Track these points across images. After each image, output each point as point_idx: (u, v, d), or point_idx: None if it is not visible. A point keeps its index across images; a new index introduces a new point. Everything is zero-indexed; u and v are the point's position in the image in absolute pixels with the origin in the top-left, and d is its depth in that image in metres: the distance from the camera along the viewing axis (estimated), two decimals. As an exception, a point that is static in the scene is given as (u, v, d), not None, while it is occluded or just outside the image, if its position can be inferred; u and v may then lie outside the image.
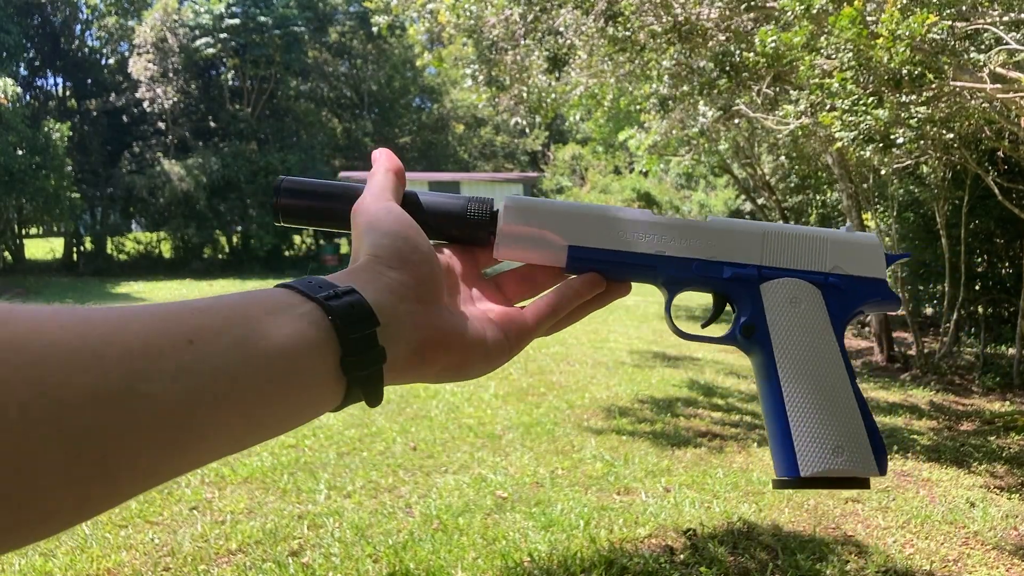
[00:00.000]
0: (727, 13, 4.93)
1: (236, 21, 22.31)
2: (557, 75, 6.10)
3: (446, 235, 0.61)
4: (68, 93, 24.90)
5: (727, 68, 4.90)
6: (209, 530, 3.24)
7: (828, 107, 4.24)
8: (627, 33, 5.03)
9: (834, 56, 3.94)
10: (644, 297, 13.37)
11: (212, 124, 24.10)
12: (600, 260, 0.61)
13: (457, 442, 4.65)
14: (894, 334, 8.27)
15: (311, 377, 0.42)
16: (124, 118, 23.95)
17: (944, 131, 4.65)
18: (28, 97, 22.79)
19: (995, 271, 7.71)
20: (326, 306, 0.43)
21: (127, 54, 23.90)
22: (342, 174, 21.38)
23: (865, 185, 7.60)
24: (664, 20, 4.92)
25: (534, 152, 32.49)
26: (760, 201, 12.87)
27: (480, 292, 0.60)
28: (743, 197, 14.49)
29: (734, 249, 0.63)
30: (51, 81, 24.95)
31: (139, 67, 22.41)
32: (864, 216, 7.84)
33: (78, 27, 24.26)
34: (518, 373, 6.77)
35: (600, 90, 7.20)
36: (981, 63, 3.87)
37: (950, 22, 3.59)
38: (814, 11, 3.86)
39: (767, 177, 11.54)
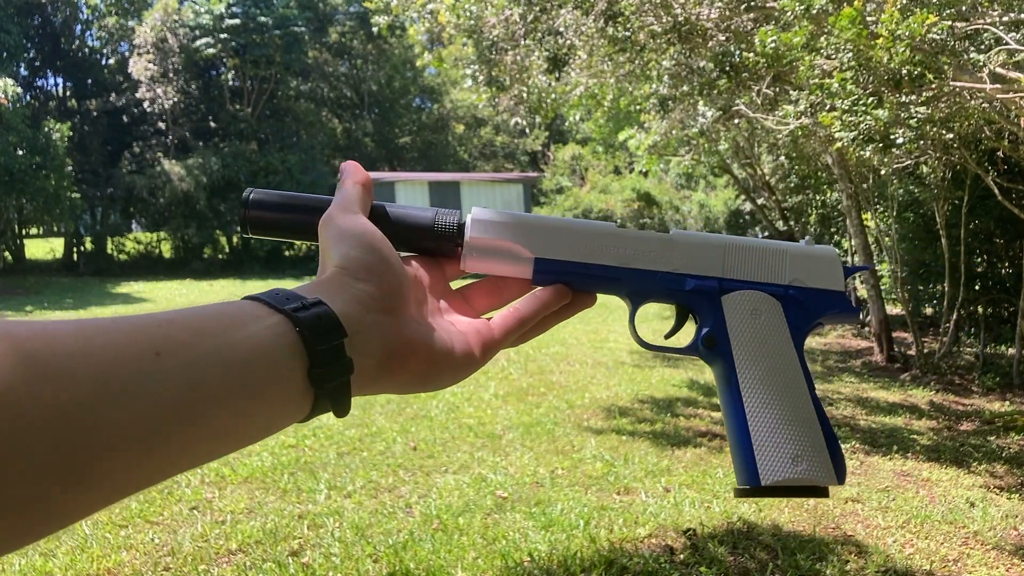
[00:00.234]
0: (727, 13, 4.93)
1: (236, 21, 22.35)
2: (557, 75, 6.10)
3: (414, 247, 0.62)
4: (68, 93, 24.95)
5: (727, 68, 4.91)
6: (209, 530, 3.25)
7: (828, 107, 4.24)
8: (627, 33, 5.04)
9: (834, 56, 3.94)
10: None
11: (212, 124, 24.14)
12: (566, 272, 0.62)
13: (457, 442, 4.66)
14: (894, 334, 8.26)
15: (279, 388, 0.42)
16: (124, 118, 23.99)
17: (944, 131, 4.64)
18: (28, 97, 22.84)
19: (995, 271, 7.70)
20: (294, 318, 0.43)
21: (127, 54, 23.95)
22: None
23: (865, 185, 7.59)
24: (664, 20, 4.92)
25: (534, 152, 32.48)
26: (760, 201, 12.87)
27: (448, 304, 0.60)
28: (743, 197, 14.48)
29: (696, 262, 0.64)
30: (51, 81, 25.02)
31: (139, 67, 22.46)
32: (864, 216, 7.84)
33: (78, 27, 24.31)
34: (518, 373, 6.77)
35: (600, 90, 7.21)
36: (981, 63, 3.87)
37: (950, 22, 3.59)
38: (814, 11, 3.87)
39: (767, 177, 11.54)
